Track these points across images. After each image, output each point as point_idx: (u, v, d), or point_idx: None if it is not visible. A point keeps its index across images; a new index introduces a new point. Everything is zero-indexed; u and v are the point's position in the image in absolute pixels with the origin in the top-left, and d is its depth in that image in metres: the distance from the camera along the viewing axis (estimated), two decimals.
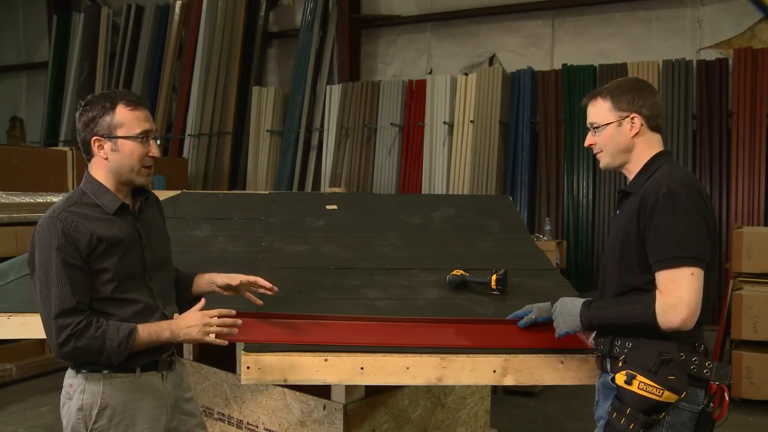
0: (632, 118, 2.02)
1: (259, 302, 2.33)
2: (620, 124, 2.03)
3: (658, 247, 1.86)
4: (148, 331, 1.99)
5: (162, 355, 2.13)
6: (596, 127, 2.08)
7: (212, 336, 2.04)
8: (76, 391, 2.03)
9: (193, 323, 2.02)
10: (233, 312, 2.09)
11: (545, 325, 2.28)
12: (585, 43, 7.99)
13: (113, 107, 2.00)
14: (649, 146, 2.04)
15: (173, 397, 2.17)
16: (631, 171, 2.06)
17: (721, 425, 1.94)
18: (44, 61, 11.46)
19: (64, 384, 2.08)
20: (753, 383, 4.79)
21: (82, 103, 2.04)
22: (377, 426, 3.00)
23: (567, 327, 2.07)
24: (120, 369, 2.03)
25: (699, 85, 7.12)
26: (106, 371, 2.02)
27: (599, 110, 2.07)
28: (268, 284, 2.31)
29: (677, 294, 1.82)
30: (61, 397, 2.09)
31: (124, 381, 2.05)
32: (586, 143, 2.13)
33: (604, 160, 2.09)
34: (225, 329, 2.06)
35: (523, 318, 2.33)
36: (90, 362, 2.00)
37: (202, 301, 2.09)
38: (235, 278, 2.29)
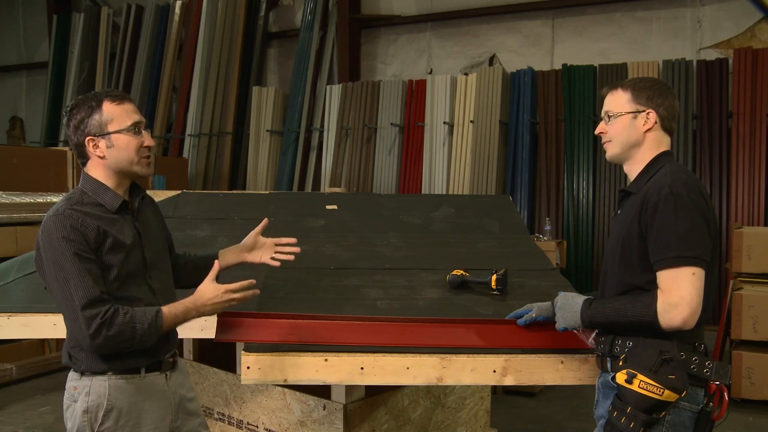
0: (648, 113, 2.03)
1: (277, 263, 2.41)
2: (635, 117, 2.04)
3: (660, 247, 1.86)
4: (174, 312, 2.00)
5: (165, 356, 2.13)
6: (611, 116, 2.08)
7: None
8: (81, 393, 2.02)
9: (218, 300, 2.03)
10: (253, 281, 2.10)
11: (545, 324, 2.28)
12: (585, 43, 7.99)
13: (99, 105, 2.01)
14: (656, 145, 2.05)
15: (177, 397, 2.17)
16: (634, 169, 2.07)
17: (721, 425, 1.94)
18: (44, 60, 11.47)
19: (67, 387, 2.07)
20: (753, 383, 4.79)
21: (68, 109, 2.04)
22: (377, 426, 3.00)
23: (567, 323, 2.08)
24: (124, 370, 2.03)
25: (699, 85, 7.12)
26: (110, 373, 2.01)
27: (618, 100, 2.08)
28: (292, 240, 2.42)
29: (678, 293, 1.82)
30: (65, 399, 2.07)
31: (129, 382, 2.04)
32: (597, 131, 2.14)
33: (612, 151, 2.10)
34: (248, 295, 2.10)
35: (522, 317, 2.33)
36: (118, 354, 1.98)
37: (215, 267, 2.10)
38: (260, 238, 2.41)
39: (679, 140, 7.06)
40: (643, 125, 2.04)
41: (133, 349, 1.96)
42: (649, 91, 2.04)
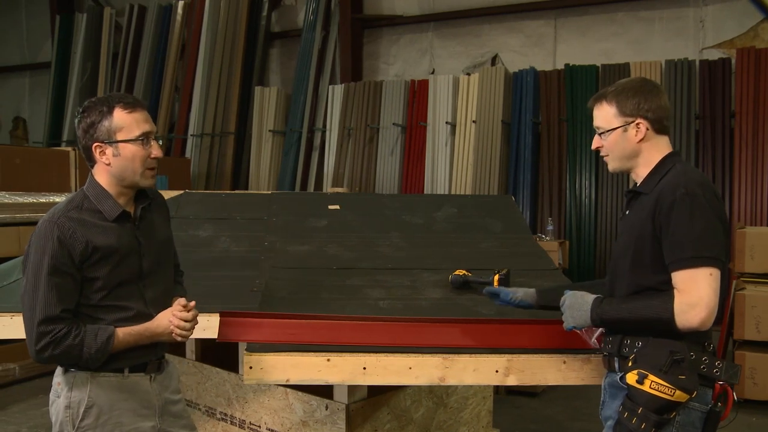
0: (637, 124, 1.99)
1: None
2: (625, 130, 2.00)
3: (676, 248, 1.85)
4: (127, 338, 2.01)
5: (152, 358, 2.14)
6: (601, 133, 2.05)
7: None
8: (64, 389, 2.04)
9: (169, 330, 2.06)
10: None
11: (548, 324, 2.28)
12: (587, 42, 7.98)
13: (111, 111, 1.99)
14: (657, 149, 2.02)
15: (161, 399, 2.17)
16: (641, 173, 2.04)
17: (724, 425, 1.93)
18: (47, 61, 11.49)
19: (53, 382, 2.10)
20: (756, 383, 4.78)
21: (80, 110, 2.03)
22: (380, 426, 3.00)
23: (576, 322, 2.04)
24: (108, 369, 2.04)
25: (702, 84, 7.11)
26: (93, 370, 2.03)
27: (605, 115, 2.04)
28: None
29: (697, 294, 1.81)
30: (50, 395, 2.11)
31: (111, 381, 2.06)
32: (593, 146, 2.10)
33: (612, 165, 2.08)
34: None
35: (503, 297, 2.35)
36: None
37: (180, 302, 2.08)
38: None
39: (682, 140, 7.05)
40: (635, 136, 2.00)
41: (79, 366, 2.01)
42: (633, 98, 2.00)
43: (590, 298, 2.02)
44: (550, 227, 6.26)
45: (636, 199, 2.04)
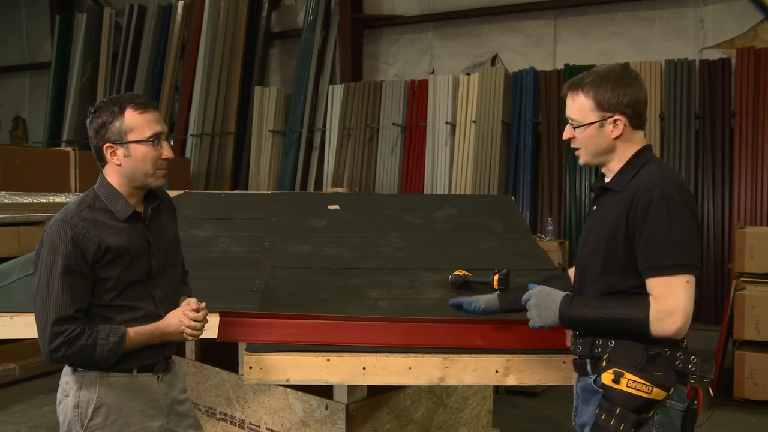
0: (615, 120, 1.90)
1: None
2: (602, 125, 1.91)
3: (653, 253, 1.78)
4: (139, 338, 2.02)
5: (160, 358, 2.15)
6: (576, 127, 1.95)
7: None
8: (73, 388, 2.05)
9: (180, 330, 2.06)
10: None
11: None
12: (587, 42, 7.98)
13: (122, 112, 1.99)
14: (631, 144, 1.93)
15: (168, 399, 2.18)
16: (612, 168, 1.96)
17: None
18: (47, 61, 11.48)
19: (60, 381, 2.11)
20: (756, 383, 4.78)
21: (92, 110, 2.04)
22: (379, 426, 3.00)
23: (543, 321, 1.95)
24: (117, 369, 2.05)
25: (702, 84, 7.11)
26: (102, 370, 2.04)
27: (580, 108, 1.93)
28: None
29: (674, 302, 1.76)
30: (58, 394, 2.11)
31: (120, 380, 2.06)
32: (565, 136, 2.00)
33: (583, 159, 1.98)
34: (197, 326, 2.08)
35: (468, 307, 2.28)
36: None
37: (190, 302, 2.08)
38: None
39: (682, 140, 7.05)
40: (612, 132, 1.91)
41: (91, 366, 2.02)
42: (612, 91, 1.88)
43: (558, 296, 1.93)
44: (550, 227, 6.26)
45: (605, 195, 1.97)
